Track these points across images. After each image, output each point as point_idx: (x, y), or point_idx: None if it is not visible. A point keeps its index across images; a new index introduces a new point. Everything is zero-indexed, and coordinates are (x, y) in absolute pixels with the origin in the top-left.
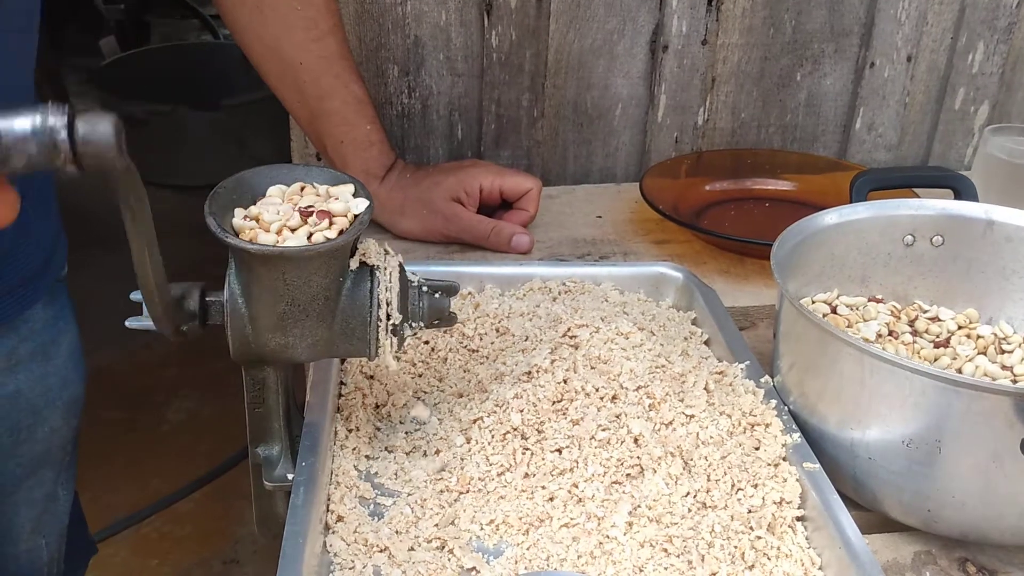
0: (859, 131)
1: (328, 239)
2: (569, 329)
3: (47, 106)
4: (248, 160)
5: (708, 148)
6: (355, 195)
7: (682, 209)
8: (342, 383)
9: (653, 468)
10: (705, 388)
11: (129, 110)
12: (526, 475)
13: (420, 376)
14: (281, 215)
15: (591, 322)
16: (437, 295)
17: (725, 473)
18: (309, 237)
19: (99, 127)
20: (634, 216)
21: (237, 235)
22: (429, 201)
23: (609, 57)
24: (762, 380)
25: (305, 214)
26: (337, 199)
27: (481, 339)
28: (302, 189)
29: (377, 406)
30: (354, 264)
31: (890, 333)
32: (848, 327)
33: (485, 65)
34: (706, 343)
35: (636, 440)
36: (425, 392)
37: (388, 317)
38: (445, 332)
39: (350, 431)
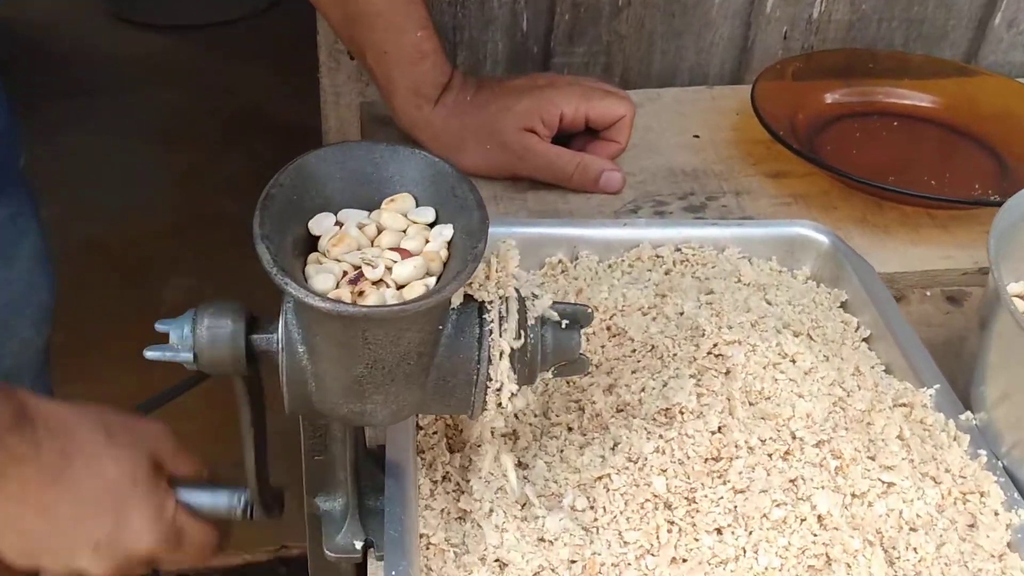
0: (997, 27)
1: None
2: (716, 346)
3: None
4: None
5: (821, 44)
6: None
7: (799, 126)
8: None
9: (847, 563)
10: (899, 436)
11: None
12: (674, 560)
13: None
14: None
15: (744, 338)
16: (563, 326)
17: (942, 575)
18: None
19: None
20: (737, 135)
21: (305, 267)
22: (497, 132)
23: None
24: (961, 418)
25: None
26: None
27: (588, 341)
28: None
29: (461, 448)
30: (457, 300)
31: None
32: None
33: None
34: (866, 340)
35: (820, 520)
36: (521, 426)
37: (501, 371)
38: None
39: (435, 483)
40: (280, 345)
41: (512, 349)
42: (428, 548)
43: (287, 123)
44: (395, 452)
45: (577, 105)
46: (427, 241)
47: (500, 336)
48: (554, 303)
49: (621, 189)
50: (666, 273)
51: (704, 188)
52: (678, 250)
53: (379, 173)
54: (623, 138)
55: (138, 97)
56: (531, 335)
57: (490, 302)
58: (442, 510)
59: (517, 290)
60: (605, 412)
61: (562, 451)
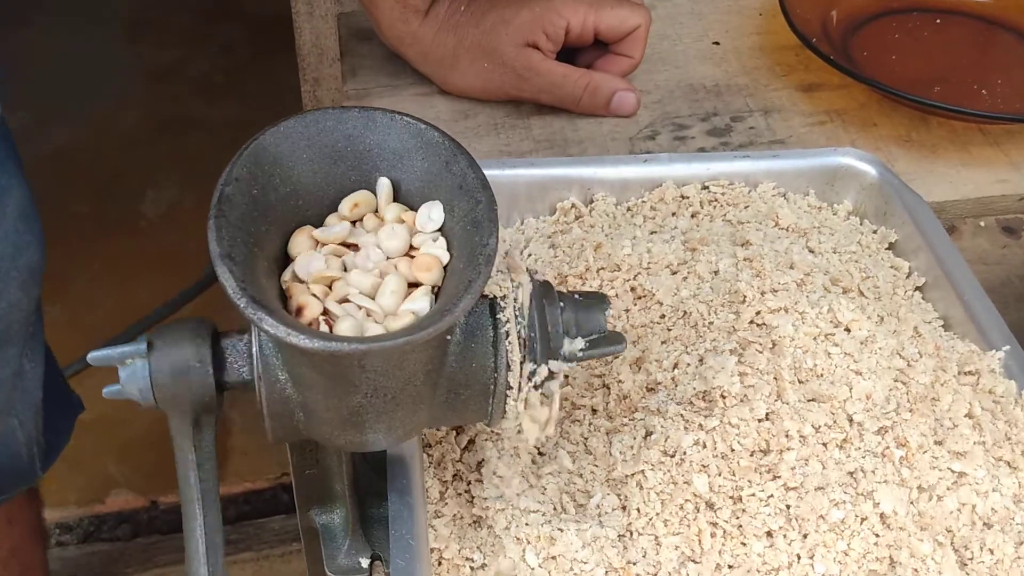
0: None
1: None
2: (758, 314)
3: None
4: None
5: None
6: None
7: (832, 28)
8: None
9: (914, 568)
10: (968, 414)
11: None
12: (719, 567)
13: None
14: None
15: (791, 304)
16: (585, 306)
17: None
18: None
19: None
20: (763, 40)
21: (284, 292)
22: (494, 48)
23: None
24: None
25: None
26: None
27: (611, 306)
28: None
29: (472, 440)
30: None
31: None
32: None
33: None
34: (919, 288)
35: (884, 519)
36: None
37: (521, 377)
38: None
39: (445, 483)
40: (256, 372)
41: (533, 350)
42: (440, 564)
43: (262, 15)
44: (397, 448)
45: (585, 15)
46: (413, 228)
47: (518, 336)
48: (566, 293)
49: (635, 111)
50: (693, 216)
51: (728, 107)
52: (705, 188)
53: (353, 147)
54: (637, 52)
55: None
56: (552, 326)
57: (503, 297)
58: (454, 516)
59: (530, 274)
60: (634, 393)
61: (586, 439)
